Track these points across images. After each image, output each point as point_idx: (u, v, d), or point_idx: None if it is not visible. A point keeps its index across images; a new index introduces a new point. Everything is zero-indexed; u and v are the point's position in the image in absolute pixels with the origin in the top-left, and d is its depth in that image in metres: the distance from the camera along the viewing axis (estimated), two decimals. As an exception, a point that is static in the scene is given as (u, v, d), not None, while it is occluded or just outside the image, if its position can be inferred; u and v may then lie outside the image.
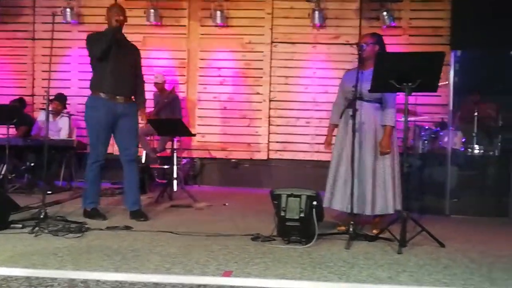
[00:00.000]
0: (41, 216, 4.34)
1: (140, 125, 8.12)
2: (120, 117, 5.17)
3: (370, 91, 4.47)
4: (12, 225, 4.38)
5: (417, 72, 4.15)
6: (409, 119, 7.29)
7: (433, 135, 6.72)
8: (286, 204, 4.13)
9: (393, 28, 8.34)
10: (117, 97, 5.12)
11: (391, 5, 8.26)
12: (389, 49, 8.00)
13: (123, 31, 5.20)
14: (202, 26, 8.81)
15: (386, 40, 8.11)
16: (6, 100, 8.56)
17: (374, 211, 4.71)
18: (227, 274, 3.24)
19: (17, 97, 8.59)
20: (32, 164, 7.30)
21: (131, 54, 5.29)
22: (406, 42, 8.38)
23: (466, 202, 6.35)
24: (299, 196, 4.14)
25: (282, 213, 4.12)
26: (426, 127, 6.85)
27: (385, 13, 8.19)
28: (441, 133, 6.63)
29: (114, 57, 5.06)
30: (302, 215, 4.09)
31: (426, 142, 6.75)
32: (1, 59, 9.10)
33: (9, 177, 7.10)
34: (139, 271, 3.24)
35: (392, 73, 4.19)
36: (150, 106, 8.55)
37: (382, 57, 4.39)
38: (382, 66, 4.25)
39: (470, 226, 5.55)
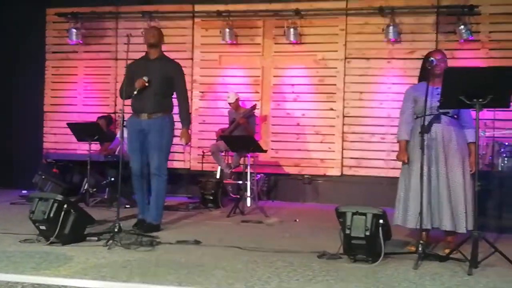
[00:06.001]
0: (116, 230, 4.48)
1: (214, 142, 8.39)
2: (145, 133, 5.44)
3: (439, 107, 4.39)
4: (88, 238, 4.59)
5: (488, 87, 4.02)
6: (487, 135, 7.13)
7: (513, 152, 6.46)
8: (351, 222, 4.10)
9: (471, 42, 8.05)
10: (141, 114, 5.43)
11: (469, 19, 7.97)
12: (468, 63, 7.87)
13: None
14: (276, 44, 8.89)
15: (464, 54, 8.03)
16: (91, 118, 8.97)
17: (468, 227, 4.53)
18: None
19: (101, 114, 9.01)
20: (113, 179, 7.53)
21: (158, 72, 5.44)
22: (486, 56, 8.04)
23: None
24: (364, 214, 4.09)
25: (347, 231, 4.09)
26: (506, 144, 6.59)
27: (462, 26, 7.88)
28: (522, 150, 6.36)
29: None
30: (367, 233, 4.03)
31: (506, 158, 6.50)
32: (86, 78, 9.55)
33: (91, 192, 7.38)
34: (202, 285, 3.32)
35: (461, 89, 4.08)
36: (225, 122, 8.74)
37: (450, 73, 4.27)
38: (450, 82, 4.15)
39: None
